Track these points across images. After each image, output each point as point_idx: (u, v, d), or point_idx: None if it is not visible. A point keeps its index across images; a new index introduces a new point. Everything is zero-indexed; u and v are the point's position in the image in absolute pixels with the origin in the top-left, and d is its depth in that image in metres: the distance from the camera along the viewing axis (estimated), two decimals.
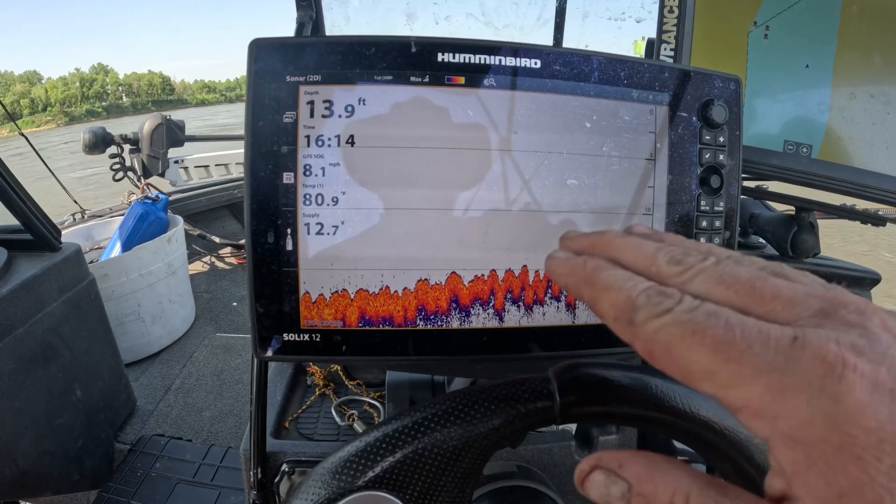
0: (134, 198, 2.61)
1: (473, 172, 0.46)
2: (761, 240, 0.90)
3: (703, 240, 0.54)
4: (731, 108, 0.52)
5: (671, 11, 0.67)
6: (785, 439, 0.16)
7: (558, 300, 0.49)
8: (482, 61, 0.45)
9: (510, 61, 0.45)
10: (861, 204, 0.77)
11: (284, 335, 0.46)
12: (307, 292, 0.45)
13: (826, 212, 0.79)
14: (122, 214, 2.50)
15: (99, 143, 2.85)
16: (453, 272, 0.47)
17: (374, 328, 0.46)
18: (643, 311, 0.19)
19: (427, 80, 0.44)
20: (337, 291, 0.45)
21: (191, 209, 3.41)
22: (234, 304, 2.88)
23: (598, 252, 0.23)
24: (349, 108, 0.44)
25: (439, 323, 0.47)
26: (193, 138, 3.51)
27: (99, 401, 1.69)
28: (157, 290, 2.21)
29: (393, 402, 0.67)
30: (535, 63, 0.46)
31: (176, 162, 3.54)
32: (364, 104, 0.44)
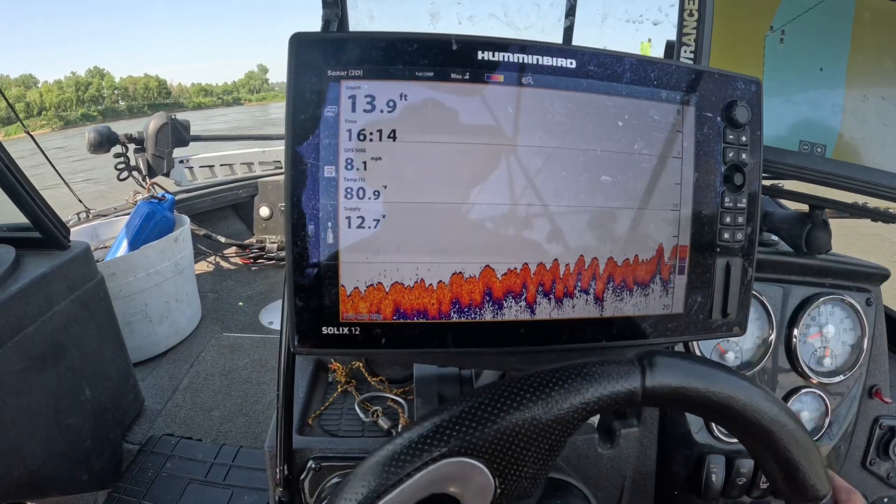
0: (139, 197, 2.61)
1: (511, 168, 0.47)
2: (774, 237, 0.92)
3: (726, 235, 0.55)
4: (752, 109, 0.54)
5: (691, 15, 0.68)
6: None
7: (587, 293, 0.51)
8: (520, 60, 0.46)
9: (547, 61, 0.47)
10: (871, 202, 0.78)
11: (323, 328, 0.46)
12: (345, 285, 0.46)
13: (838, 210, 0.80)
14: (128, 214, 2.51)
15: (104, 142, 2.86)
16: (487, 265, 0.48)
17: (412, 321, 0.47)
18: None
19: (467, 77, 0.45)
20: (373, 285, 0.46)
21: (196, 209, 3.42)
22: (241, 303, 2.88)
23: None
24: (391, 104, 0.45)
25: (473, 315, 0.48)
26: (199, 138, 3.52)
27: (107, 401, 1.69)
28: (164, 289, 2.22)
29: (422, 398, 0.68)
30: (571, 63, 0.47)
31: (181, 162, 3.55)
32: (405, 99, 0.45)
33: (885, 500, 0.86)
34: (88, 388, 1.59)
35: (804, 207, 0.85)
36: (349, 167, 0.45)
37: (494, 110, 0.46)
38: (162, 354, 2.32)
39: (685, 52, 0.69)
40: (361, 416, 0.77)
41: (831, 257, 0.83)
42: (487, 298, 0.49)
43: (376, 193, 0.45)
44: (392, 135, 0.45)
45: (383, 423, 0.75)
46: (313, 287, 0.46)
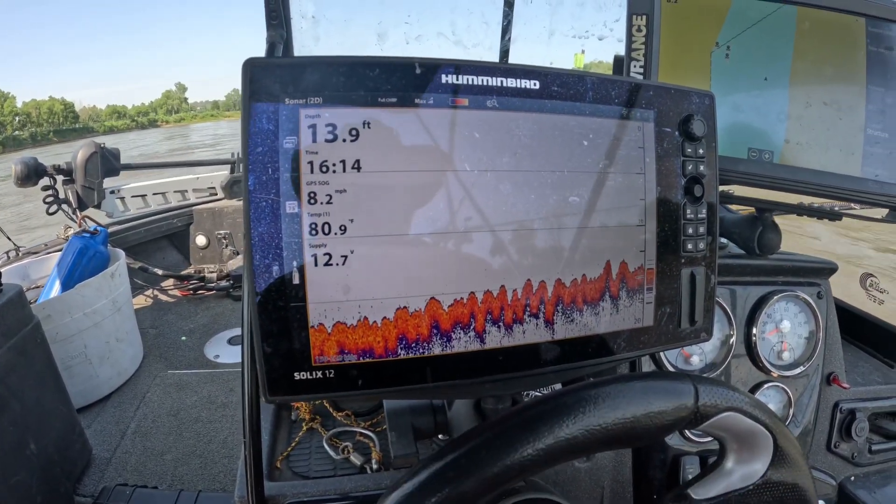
0: (71, 232, 2.44)
1: (480, 195, 0.46)
2: (723, 240, 0.95)
3: (689, 245, 0.56)
4: (708, 122, 0.55)
5: (639, 30, 0.70)
6: None
7: (537, 317, 0.49)
8: (484, 83, 0.45)
9: (511, 83, 0.46)
10: (817, 201, 0.82)
11: (295, 374, 0.43)
12: (317, 326, 0.43)
13: (786, 211, 0.84)
14: (59, 250, 2.34)
15: (31, 174, 2.65)
16: (472, 293, 0.47)
17: (389, 359, 0.45)
18: None
19: (431, 102, 0.44)
20: (346, 324, 0.44)
21: (130, 241, 3.25)
22: (183, 338, 2.75)
23: None
24: (353, 132, 0.42)
25: (453, 347, 0.46)
26: (130, 166, 3.34)
27: (54, 453, 1.55)
28: (103, 328, 2.07)
29: (396, 431, 0.65)
30: (535, 84, 0.47)
31: (112, 192, 3.36)
32: (368, 127, 0.43)
33: (852, 478, 0.90)
34: (33, 441, 1.46)
35: (749, 209, 0.89)
36: (312, 201, 0.42)
37: (460, 136, 0.45)
38: (106, 398, 2.17)
39: (634, 66, 0.71)
40: (332, 453, 0.74)
41: (782, 256, 0.87)
42: (473, 325, 0.47)
43: (343, 228, 0.43)
44: (356, 165, 0.43)
45: (355, 459, 0.72)
46: (282, 332, 0.42)
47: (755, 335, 0.84)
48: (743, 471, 0.45)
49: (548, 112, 0.48)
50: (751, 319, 0.84)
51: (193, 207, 3.75)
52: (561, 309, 0.50)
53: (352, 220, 0.43)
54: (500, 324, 0.48)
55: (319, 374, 0.43)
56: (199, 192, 3.99)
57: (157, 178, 3.94)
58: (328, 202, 0.42)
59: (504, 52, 1.38)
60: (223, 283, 3.29)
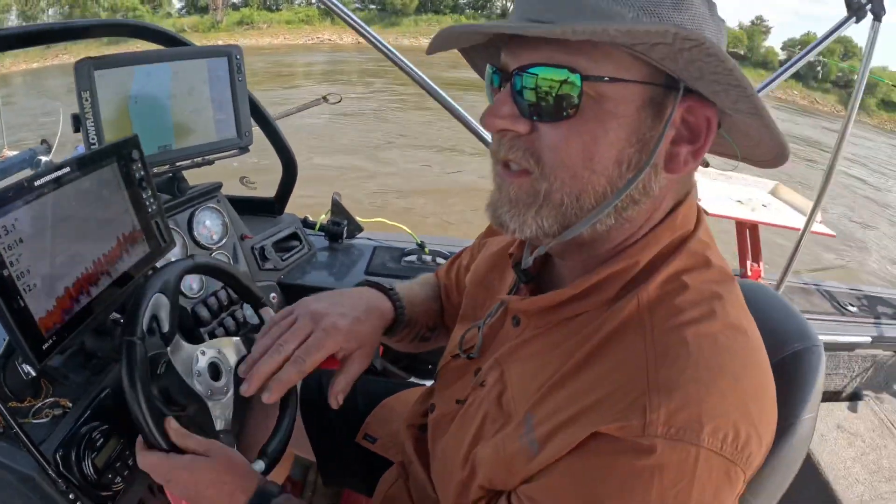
0: None
1: (75, 238, 0.98)
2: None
3: (150, 210, 1.23)
4: (140, 152, 1.17)
5: (87, 100, 1.15)
6: None
7: (106, 274, 1.10)
8: (50, 178, 0.93)
9: (61, 172, 0.96)
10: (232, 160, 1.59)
11: (42, 346, 0.89)
12: (39, 318, 0.89)
13: (186, 168, 1.57)
14: None
15: None
16: (76, 279, 1.00)
17: (72, 315, 0.96)
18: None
19: (21, 203, 0.90)
20: (48, 311, 0.91)
21: None
22: None
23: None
24: (12, 226, 0.86)
25: (86, 300, 1.01)
26: None
27: None
28: None
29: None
30: (68, 169, 0.98)
31: None
32: (17, 220, 0.87)
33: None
34: None
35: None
36: (12, 265, 0.85)
37: (47, 211, 0.94)
38: None
39: (89, 124, 1.19)
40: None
41: (190, 191, 1.61)
42: (85, 290, 1.01)
43: (28, 271, 0.88)
44: (20, 240, 0.87)
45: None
46: (30, 329, 0.86)
47: (195, 235, 1.59)
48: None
49: (83, 180, 1.01)
50: (190, 228, 1.58)
51: None
52: (109, 266, 1.09)
53: (29, 269, 0.88)
54: (92, 284, 1.04)
55: (50, 340, 0.90)
56: None
57: None
58: (17, 262, 0.86)
59: None
60: None
